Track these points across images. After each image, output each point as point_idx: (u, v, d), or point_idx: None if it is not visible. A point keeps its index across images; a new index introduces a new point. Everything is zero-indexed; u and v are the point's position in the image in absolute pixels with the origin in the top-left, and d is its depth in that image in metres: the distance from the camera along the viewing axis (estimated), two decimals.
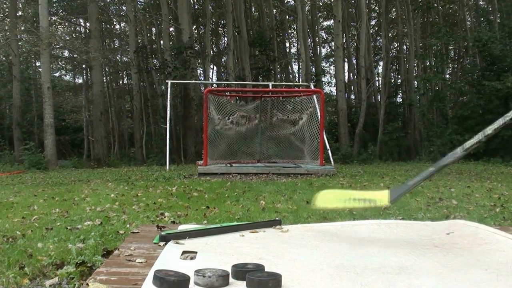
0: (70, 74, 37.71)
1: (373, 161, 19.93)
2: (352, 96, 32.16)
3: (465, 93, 23.42)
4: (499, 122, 2.52)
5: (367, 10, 27.03)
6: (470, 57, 26.57)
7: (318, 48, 34.47)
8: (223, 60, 33.22)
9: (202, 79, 26.31)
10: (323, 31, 36.97)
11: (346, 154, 19.87)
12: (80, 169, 17.30)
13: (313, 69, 29.50)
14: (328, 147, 14.08)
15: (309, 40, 31.14)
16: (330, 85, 37.15)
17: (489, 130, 2.52)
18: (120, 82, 36.14)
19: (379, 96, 27.56)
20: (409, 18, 26.70)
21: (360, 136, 23.23)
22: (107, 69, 31.56)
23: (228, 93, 15.11)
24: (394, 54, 31.33)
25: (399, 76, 31.86)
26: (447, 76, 28.26)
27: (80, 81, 36.57)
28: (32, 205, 5.92)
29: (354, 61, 31.75)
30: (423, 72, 27.51)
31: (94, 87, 22.83)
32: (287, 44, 35.84)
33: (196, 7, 31.60)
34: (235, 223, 3.54)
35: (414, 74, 28.05)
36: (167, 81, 17.26)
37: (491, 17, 25.09)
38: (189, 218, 4.67)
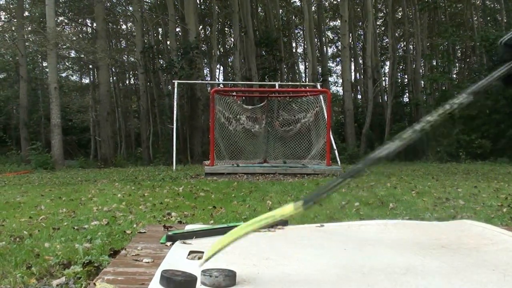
0: (77, 74, 37.89)
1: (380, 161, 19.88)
2: (359, 96, 32.17)
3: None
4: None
5: (373, 10, 27.00)
6: (477, 56, 26.48)
7: (325, 48, 34.47)
8: (229, 60, 33.25)
9: (209, 79, 26.36)
10: (329, 31, 36.95)
11: (352, 154, 19.86)
12: (86, 169, 17.35)
13: (320, 69, 29.49)
14: (334, 147, 14.07)
15: (316, 40, 31.11)
16: (336, 85, 37.16)
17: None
18: (127, 82, 36.26)
19: (385, 96, 27.53)
20: (416, 17, 26.65)
21: (367, 136, 23.21)
22: (113, 69, 31.66)
23: (234, 93, 15.12)
24: (400, 54, 31.26)
25: (406, 76, 31.82)
26: (454, 75, 28.18)
27: (87, 81, 36.77)
28: (39, 205, 5.94)
29: (361, 61, 31.74)
30: (429, 72, 27.43)
31: (101, 87, 22.91)
32: (294, 44, 35.86)
33: (203, 7, 31.63)
34: (242, 223, 3.54)
35: (421, 74, 27.99)
36: (173, 81, 17.29)
37: (498, 16, 24.97)
38: (196, 218, 4.68)
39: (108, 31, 30.11)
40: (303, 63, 34.39)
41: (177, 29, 26.39)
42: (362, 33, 31.65)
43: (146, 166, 17.77)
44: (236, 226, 3.05)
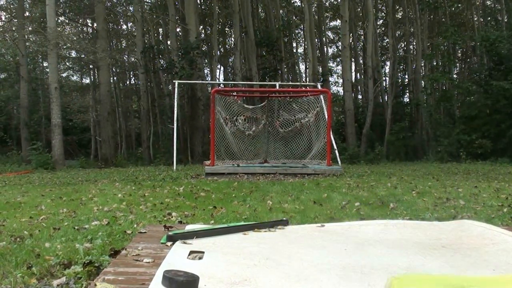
0: (78, 74, 37.85)
1: (380, 161, 19.90)
2: (359, 96, 32.12)
3: (472, 93, 23.30)
4: None
5: (374, 10, 26.98)
6: (477, 56, 26.46)
7: (325, 48, 34.44)
8: (230, 60, 33.24)
9: (209, 79, 26.35)
10: (330, 31, 36.94)
11: (353, 154, 19.84)
12: (87, 169, 17.34)
13: (320, 69, 29.45)
14: (335, 147, 14.05)
15: (316, 40, 31.09)
16: (337, 85, 37.15)
17: None
18: (127, 82, 36.24)
19: (386, 96, 27.52)
20: (416, 17, 26.62)
21: (367, 136, 23.20)
22: (114, 69, 31.65)
23: (235, 93, 15.11)
24: (401, 54, 31.24)
25: (406, 76, 31.81)
26: (454, 75, 28.17)
27: (87, 81, 36.74)
28: (40, 205, 5.94)
29: (361, 61, 31.72)
30: (430, 72, 27.39)
31: (101, 87, 22.89)
32: (294, 44, 35.83)
33: (203, 7, 31.62)
34: (242, 223, 3.54)
35: (421, 74, 27.97)
36: (174, 81, 17.29)
37: (498, 16, 24.95)
38: (196, 218, 4.68)
39: (109, 31, 30.08)
40: (304, 63, 34.39)
41: (178, 29, 26.39)
42: (362, 33, 31.63)
43: (147, 166, 17.76)
44: (236, 226, 3.06)
